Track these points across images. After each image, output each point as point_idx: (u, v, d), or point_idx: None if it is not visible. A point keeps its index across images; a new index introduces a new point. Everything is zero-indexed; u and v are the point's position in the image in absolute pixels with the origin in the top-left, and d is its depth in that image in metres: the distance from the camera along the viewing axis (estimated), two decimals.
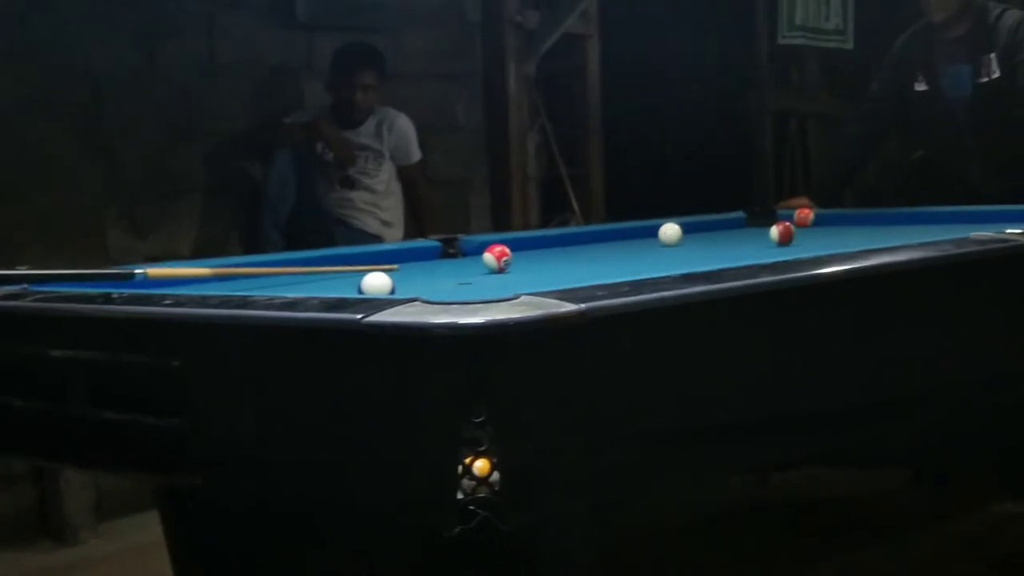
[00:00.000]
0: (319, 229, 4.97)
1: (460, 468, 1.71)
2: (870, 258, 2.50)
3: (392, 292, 2.36)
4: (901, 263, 2.51)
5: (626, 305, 1.90)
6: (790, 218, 3.82)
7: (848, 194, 6.18)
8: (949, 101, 4.60)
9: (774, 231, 3.27)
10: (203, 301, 2.16)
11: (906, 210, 4.28)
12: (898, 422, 2.58)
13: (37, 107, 4.56)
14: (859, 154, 5.07)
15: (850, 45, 7.45)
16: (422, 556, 2.07)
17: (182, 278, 2.68)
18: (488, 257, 2.87)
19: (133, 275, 2.55)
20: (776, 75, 7.52)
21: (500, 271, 2.84)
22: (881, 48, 5.05)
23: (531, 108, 6.13)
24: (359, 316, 1.79)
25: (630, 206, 5.10)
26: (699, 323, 2.04)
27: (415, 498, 1.81)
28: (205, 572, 2.65)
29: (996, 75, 4.48)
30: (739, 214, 4.30)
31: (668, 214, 4.16)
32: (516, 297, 1.81)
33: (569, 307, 1.79)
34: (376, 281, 2.40)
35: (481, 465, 1.71)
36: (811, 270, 2.33)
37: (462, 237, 3.62)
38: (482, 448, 1.71)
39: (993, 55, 4.48)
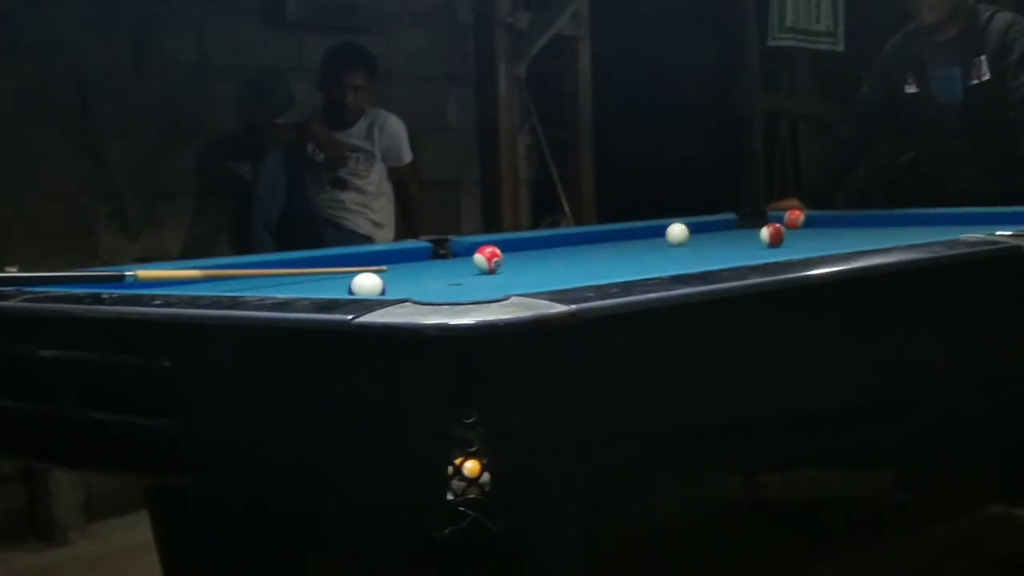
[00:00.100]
0: (310, 230, 4.96)
1: (450, 469, 1.70)
2: (861, 260, 2.50)
3: (383, 293, 2.36)
4: (892, 265, 2.52)
5: (616, 306, 1.90)
6: (781, 220, 3.82)
7: (839, 196, 6.19)
8: (940, 103, 4.60)
9: (765, 232, 3.27)
10: (193, 301, 2.16)
11: (897, 212, 4.29)
12: (888, 423, 2.58)
13: (27, 108, 4.55)
14: (850, 156, 5.07)
15: (840, 47, 7.47)
16: (412, 557, 2.07)
17: (173, 280, 2.67)
18: (479, 258, 2.87)
19: (124, 277, 2.55)
20: (766, 77, 7.54)
21: (491, 272, 2.84)
22: (872, 50, 5.06)
23: (522, 109, 6.13)
24: (350, 317, 1.79)
25: (621, 207, 5.10)
26: (689, 324, 2.04)
27: (405, 499, 1.81)
28: (195, 572, 2.64)
29: (986, 77, 4.49)
30: (730, 215, 4.30)
31: (659, 216, 4.17)
32: (506, 298, 1.81)
33: (559, 308, 1.79)
34: (367, 282, 2.40)
35: (471, 466, 1.71)
36: (802, 272, 2.33)
37: (453, 238, 3.62)
38: (472, 449, 1.71)
39: (983, 57, 4.49)
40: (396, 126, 5.16)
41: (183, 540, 2.65)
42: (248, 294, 2.22)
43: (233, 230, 5.12)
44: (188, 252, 4.88)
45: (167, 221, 4.95)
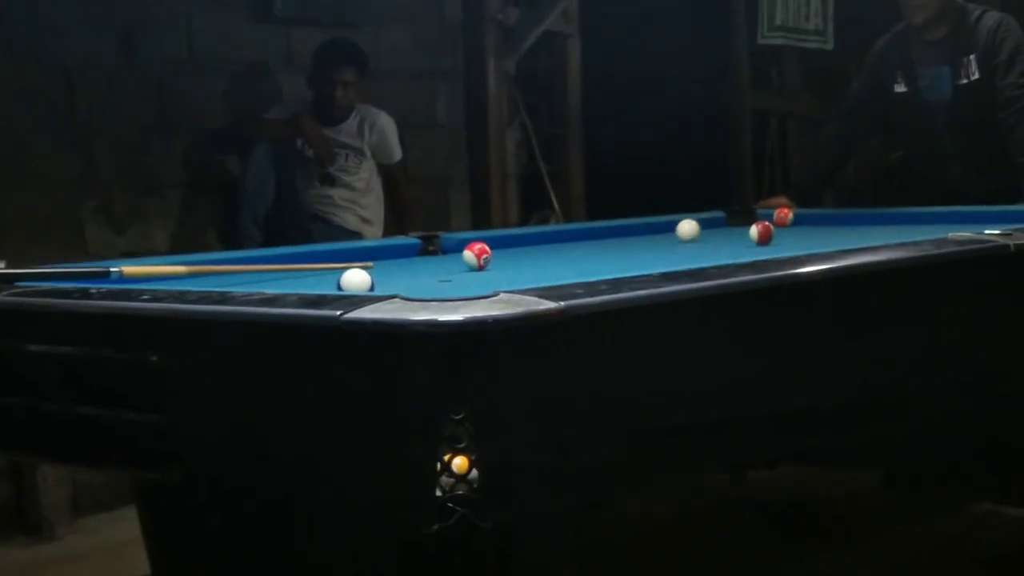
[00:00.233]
0: (298, 225, 4.96)
1: (439, 465, 1.70)
2: (849, 258, 2.50)
3: (371, 289, 2.36)
4: (880, 263, 2.52)
5: (605, 303, 1.90)
6: (770, 217, 3.83)
7: (827, 194, 6.20)
8: (929, 103, 4.61)
9: (754, 230, 3.28)
10: (181, 296, 2.16)
11: (885, 210, 4.30)
12: (875, 421, 2.58)
13: (15, 102, 4.53)
14: (839, 155, 5.08)
15: (830, 45, 7.48)
16: (401, 553, 2.07)
17: (158, 276, 2.67)
18: (468, 254, 2.87)
19: (108, 273, 2.54)
20: (756, 75, 7.54)
21: (480, 268, 2.84)
22: (861, 49, 5.07)
23: (511, 106, 6.13)
24: (338, 312, 1.79)
25: (610, 204, 5.11)
26: (678, 322, 2.04)
27: (394, 495, 1.81)
28: (183, 568, 2.64)
29: (975, 77, 4.50)
30: (719, 213, 4.30)
31: (648, 213, 4.18)
32: (496, 294, 1.81)
33: (548, 305, 1.79)
34: (355, 278, 2.40)
35: (460, 462, 1.70)
36: (790, 269, 2.33)
37: (442, 234, 3.62)
38: (461, 445, 1.70)
39: (972, 57, 4.50)
40: (387, 124, 5.15)
41: (171, 535, 2.64)
42: (235, 289, 2.22)
43: (221, 225, 5.11)
44: (176, 246, 4.87)
45: (155, 215, 4.94)
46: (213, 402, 2.05)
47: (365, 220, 5.13)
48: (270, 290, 2.10)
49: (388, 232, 5.11)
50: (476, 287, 1.95)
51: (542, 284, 1.94)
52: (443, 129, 6.04)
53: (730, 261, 2.35)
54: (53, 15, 4.61)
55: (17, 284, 2.45)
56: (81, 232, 4.70)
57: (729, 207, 4.41)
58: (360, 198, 5.12)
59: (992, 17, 4.53)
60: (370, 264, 2.73)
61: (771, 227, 3.31)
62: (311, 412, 1.89)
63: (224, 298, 2.08)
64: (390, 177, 5.23)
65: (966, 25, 4.54)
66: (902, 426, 2.95)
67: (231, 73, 5.19)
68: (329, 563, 2.29)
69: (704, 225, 3.69)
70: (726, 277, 2.18)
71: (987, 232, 2.79)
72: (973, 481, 4.01)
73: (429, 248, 3.53)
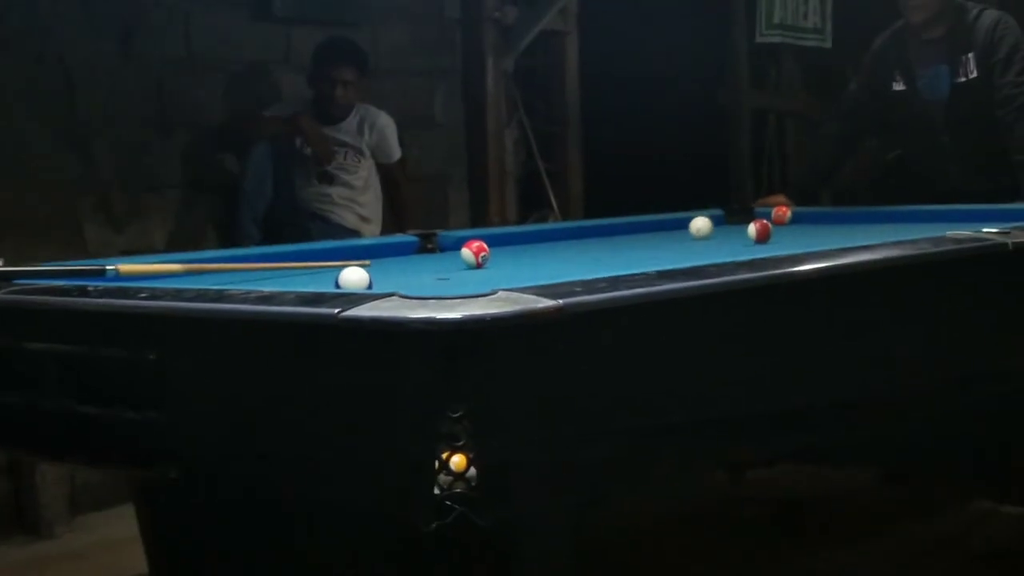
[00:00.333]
0: (296, 223, 4.96)
1: (437, 463, 1.70)
2: (847, 256, 2.51)
3: (369, 287, 2.36)
4: (878, 261, 2.53)
5: (603, 301, 1.90)
6: (768, 216, 3.83)
7: (825, 193, 6.20)
8: (927, 101, 4.61)
9: (752, 229, 3.28)
10: (179, 294, 2.16)
11: (883, 209, 4.30)
12: (873, 419, 2.59)
13: (13, 100, 4.53)
14: (837, 154, 5.08)
15: (828, 44, 7.49)
16: (400, 551, 2.07)
17: (154, 274, 2.67)
18: (466, 252, 2.87)
19: (104, 271, 2.54)
20: (754, 73, 7.54)
21: (478, 267, 2.84)
22: (859, 47, 5.07)
23: (509, 104, 6.13)
24: (336, 310, 1.79)
25: (608, 203, 5.11)
26: (676, 320, 2.04)
27: (392, 493, 1.81)
28: (181, 567, 2.64)
29: (974, 75, 4.50)
30: (717, 211, 4.30)
31: (646, 211, 4.18)
32: (494, 293, 1.81)
33: (546, 303, 1.79)
34: (353, 276, 2.40)
35: (458, 460, 1.71)
36: (789, 268, 2.34)
37: (440, 232, 3.62)
38: (459, 443, 1.71)
39: (971, 55, 4.50)
40: (386, 123, 5.16)
41: (169, 533, 2.64)
42: (233, 287, 2.22)
43: (220, 223, 5.11)
44: (174, 245, 4.86)
45: (153, 213, 4.94)
46: (211, 400, 2.05)
47: (363, 218, 5.13)
48: (268, 288, 2.10)
49: (386, 230, 5.11)
50: (474, 285, 1.95)
51: (540, 282, 1.94)
52: (441, 128, 6.05)
53: (728, 259, 2.35)
54: (53, 14, 4.61)
55: (15, 282, 2.45)
56: (80, 231, 4.70)
57: (727, 205, 4.41)
58: (358, 196, 5.13)
59: (990, 16, 4.53)
60: (367, 262, 2.73)
61: (769, 225, 3.31)
62: (309, 410, 1.89)
63: (222, 296, 2.08)
64: (389, 176, 5.23)
65: (964, 24, 4.54)
66: (900, 424, 2.95)
67: (230, 72, 5.19)
68: (327, 561, 2.29)
69: None
70: (724, 275, 2.19)
71: (985, 230, 2.80)
72: (971, 479, 4.01)
73: (427, 246, 3.53)
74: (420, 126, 5.85)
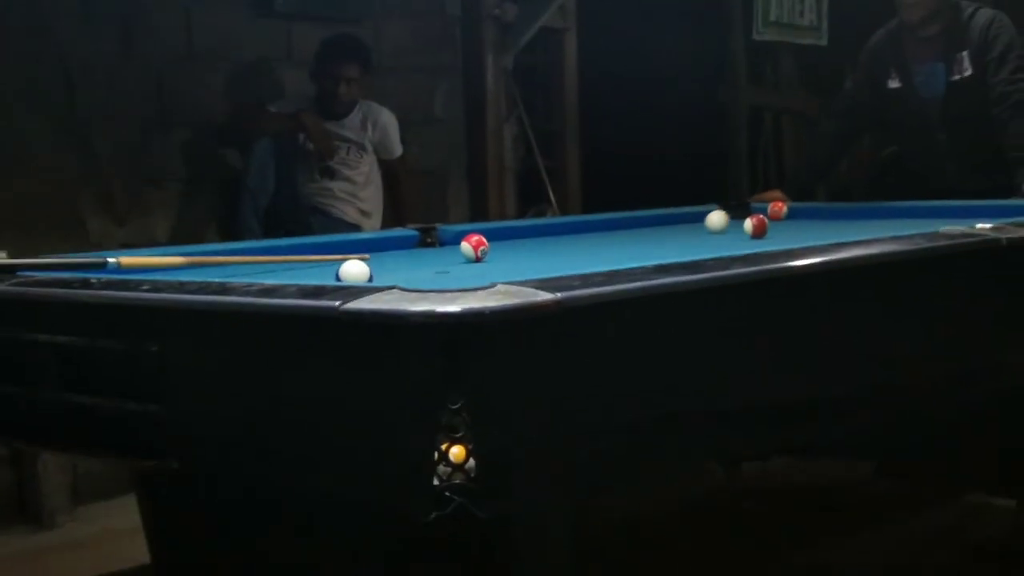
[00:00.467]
0: (297, 218, 4.97)
1: (436, 454, 1.72)
2: (843, 251, 2.52)
3: (370, 280, 2.38)
4: (873, 256, 2.54)
5: (601, 294, 1.91)
6: (764, 211, 3.84)
7: (820, 190, 6.21)
8: (923, 99, 4.62)
9: (748, 224, 3.29)
10: (181, 287, 2.17)
11: (879, 204, 4.31)
12: (869, 413, 2.60)
13: (15, 94, 4.54)
14: (834, 151, 5.09)
15: (824, 41, 7.50)
16: (399, 542, 2.08)
17: (155, 267, 2.68)
18: (465, 246, 2.88)
19: (106, 263, 2.56)
20: (751, 71, 7.55)
21: (477, 260, 2.85)
22: (855, 45, 5.08)
23: (509, 101, 6.14)
24: (337, 303, 1.81)
25: (606, 198, 5.12)
26: (674, 313, 2.05)
27: (392, 484, 1.82)
28: (182, 557, 2.65)
29: (968, 73, 4.50)
30: (714, 207, 4.31)
31: (643, 206, 4.20)
32: (493, 286, 1.83)
33: (545, 296, 1.80)
34: (354, 269, 2.41)
35: (457, 451, 1.72)
36: (785, 262, 2.35)
37: (440, 226, 3.63)
38: (458, 435, 1.72)
39: (966, 53, 4.50)
40: (389, 120, 5.17)
41: (170, 524, 2.66)
42: (234, 280, 2.23)
43: (222, 217, 5.13)
44: (176, 238, 4.88)
45: (155, 207, 4.95)
46: (212, 392, 2.07)
47: (364, 212, 5.14)
48: (269, 281, 2.12)
49: (386, 224, 5.13)
50: (473, 279, 1.96)
51: (539, 275, 1.95)
52: (441, 124, 6.06)
53: (725, 254, 2.36)
54: (53, 10, 4.62)
55: (18, 274, 2.47)
56: (82, 224, 4.71)
57: (724, 201, 4.41)
58: (359, 191, 5.14)
59: (985, 14, 4.54)
60: (367, 256, 2.75)
61: (766, 220, 3.33)
62: (309, 401, 1.90)
63: (224, 289, 2.10)
64: (390, 171, 5.25)
65: (959, 22, 4.54)
66: (894, 418, 2.96)
67: (231, 68, 5.20)
68: (327, 552, 2.30)
69: (700, 219, 3.71)
70: (721, 269, 2.20)
71: (979, 226, 2.81)
72: (965, 473, 4.03)
73: (427, 240, 3.55)
74: (420, 122, 5.86)
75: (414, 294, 1.80)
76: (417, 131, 5.75)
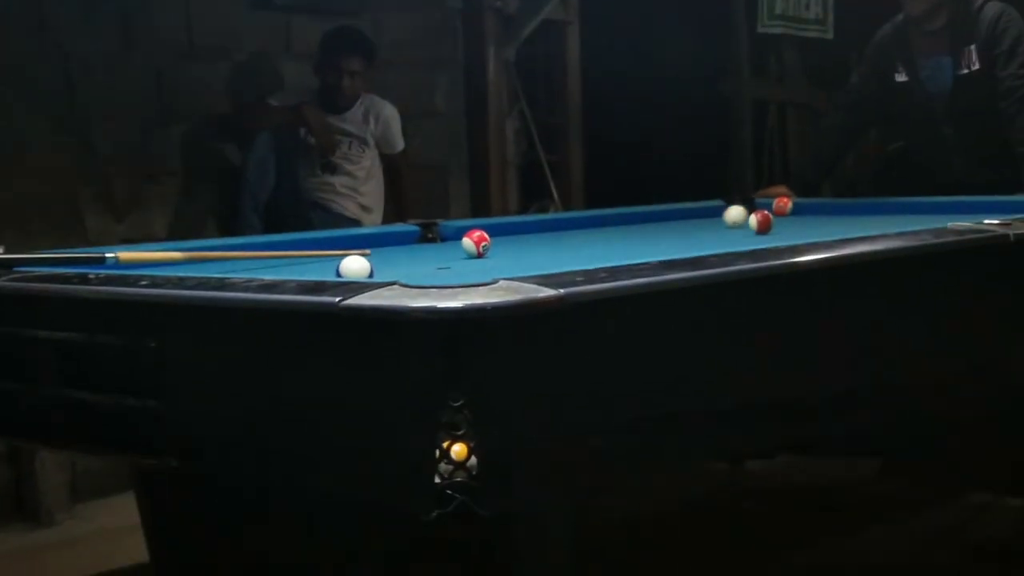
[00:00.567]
0: (297, 213, 4.95)
1: (438, 452, 1.70)
2: (848, 247, 2.51)
3: (371, 276, 2.36)
4: (879, 252, 2.53)
5: (604, 291, 1.90)
6: (769, 206, 3.83)
7: (826, 184, 6.19)
8: (929, 93, 4.60)
9: (753, 219, 3.27)
10: (180, 283, 2.16)
11: (885, 200, 4.30)
12: (874, 410, 2.59)
13: (13, 89, 4.53)
14: (840, 145, 5.08)
15: (830, 35, 7.48)
16: (400, 539, 2.07)
17: (154, 262, 2.67)
18: (467, 242, 2.87)
19: (104, 258, 2.54)
20: (755, 64, 7.53)
21: (479, 256, 2.84)
22: (861, 38, 5.06)
23: (510, 94, 6.12)
24: (337, 299, 1.79)
25: (609, 193, 5.10)
26: (677, 310, 2.04)
27: (392, 482, 1.81)
28: (181, 555, 2.64)
29: (976, 67, 4.49)
30: (718, 202, 4.30)
31: (647, 202, 4.18)
32: (495, 282, 1.81)
33: (547, 292, 1.79)
34: (355, 264, 2.40)
35: (459, 449, 1.71)
36: (790, 258, 2.34)
37: (441, 222, 3.62)
38: (460, 432, 1.71)
39: (973, 47, 4.49)
40: (391, 115, 5.16)
41: (169, 521, 2.65)
42: (234, 276, 2.21)
43: (221, 212, 5.11)
44: (175, 233, 4.86)
45: (154, 202, 4.94)
46: (211, 388, 2.05)
47: (364, 207, 5.13)
48: (269, 276, 2.10)
49: (387, 219, 5.11)
50: (475, 274, 1.95)
51: (541, 272, 1.94)
52: (443, 117, 6.04)
53: (729, 249, 2.35)
54: (52, 4, 4.60)
55: (16, 269, 2.45)
56: (80, 219, 4.70)
57: (728, 196, 4.40)
58: (360, 186, 5.12)
59: (994, 7, 4.52)
60: (367, 251, 2.73)
61: (770, 216, 3.31)
62: (309, 398, 1.89)
63: (223, 284, 2.09)
64: (392, 166, 5.23)
65: (967, 15, 4.52)
66: (900, 415, 2.95)
67: (231, 61, 5.18)
68: (327, 549, 2.29)
69: (703, 214, 3.70)
70: (725, 265, 2.19)
71: (987, 222, 2.80)
72: (971, 471, 4.01)
73: (428, 236, 3.54)
74: (421, 116, 5.84)
75: (415, 290, 1.79)
76: (417, 125, 5.73)
